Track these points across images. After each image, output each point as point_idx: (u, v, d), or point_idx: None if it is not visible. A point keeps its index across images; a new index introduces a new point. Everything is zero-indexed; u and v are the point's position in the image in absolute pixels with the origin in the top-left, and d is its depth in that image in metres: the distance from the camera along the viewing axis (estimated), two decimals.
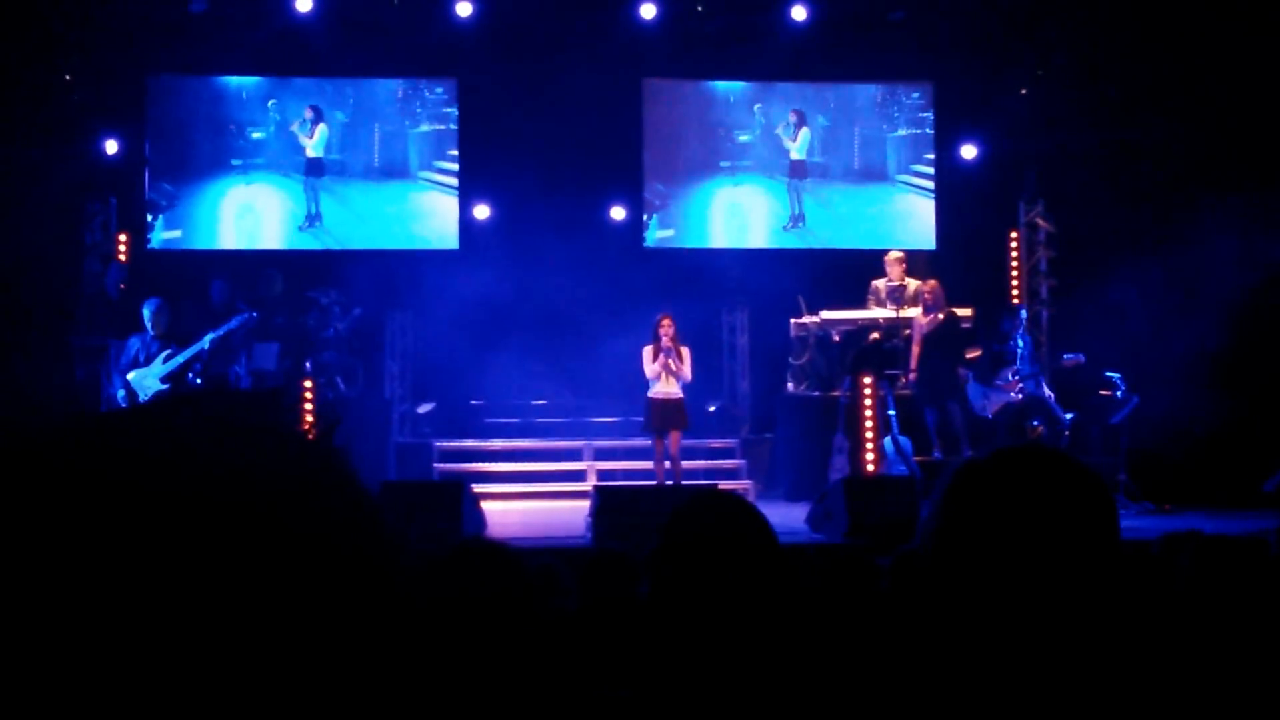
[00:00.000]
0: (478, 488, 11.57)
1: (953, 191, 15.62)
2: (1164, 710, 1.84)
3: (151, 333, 11.65)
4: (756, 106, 15.92)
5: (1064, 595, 1.49)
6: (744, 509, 2.38)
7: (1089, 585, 1.50)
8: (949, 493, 1.56)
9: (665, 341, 11.88)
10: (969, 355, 13.30)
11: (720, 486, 11.33)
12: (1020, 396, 12.67)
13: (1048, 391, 12.70)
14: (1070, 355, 12.80)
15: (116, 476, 0.74)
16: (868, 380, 12.40)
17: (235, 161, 15.29)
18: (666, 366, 11.86)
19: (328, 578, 0.75)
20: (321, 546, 0.77)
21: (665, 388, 11.95)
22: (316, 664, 0.74)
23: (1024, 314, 13.19)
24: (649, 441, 12.59)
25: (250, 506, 0.75)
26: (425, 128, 15.49)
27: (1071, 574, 1.50)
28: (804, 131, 15.86)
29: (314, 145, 15.34)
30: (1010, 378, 12.72)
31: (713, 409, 14.78)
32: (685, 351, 12.04)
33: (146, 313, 11.73)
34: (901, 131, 15.94)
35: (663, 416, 11.98)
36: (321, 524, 0.77)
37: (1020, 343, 12.82)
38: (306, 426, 12.04)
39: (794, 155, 15.87)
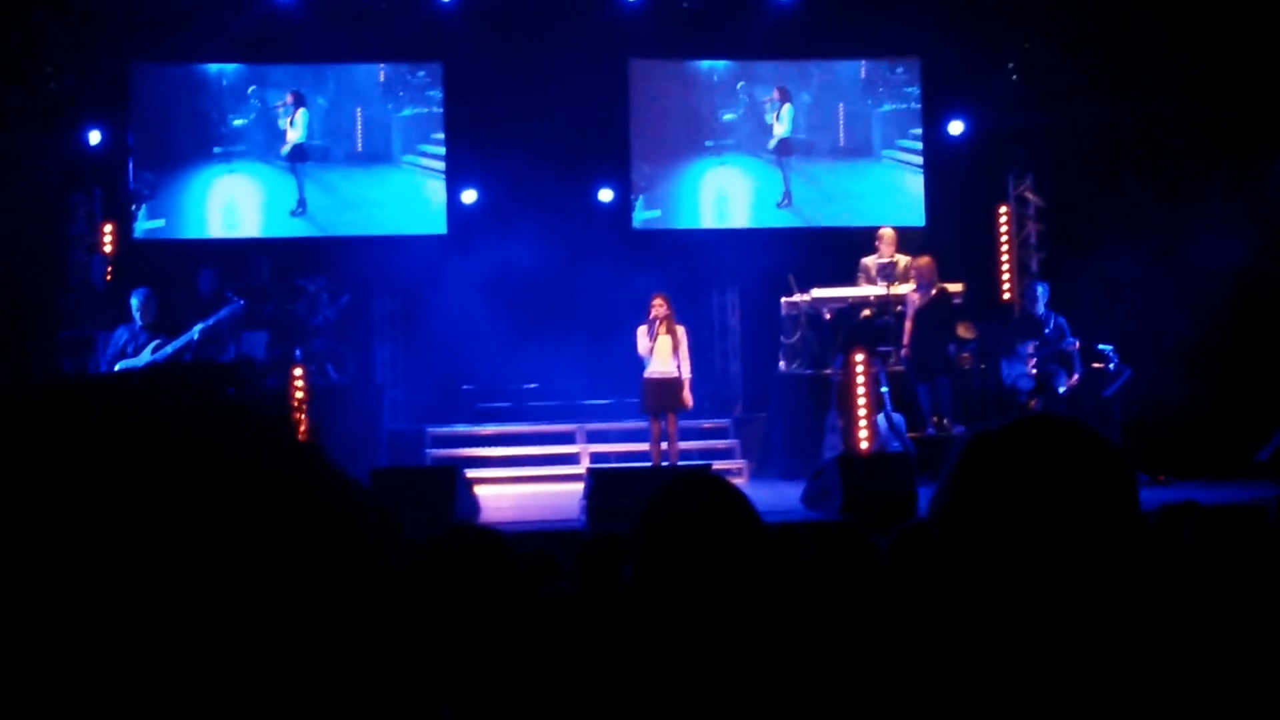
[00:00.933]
0: (471, 473, 11.52)
1: (941, 167, 15.57)
2: (1175, 681, 1.81)
3: (140, 323, 11.59)
4: (740, 85, 15.85)
5: (1085, 567, 1.44)
6: (724, 489, 2.34)
7: (1110, 557, 1.45)
8: (960, 465, 1.51)
9: (652, 312, 11.85)
10: (962, 332, 13.28)
11: (714, 467, 11.31)
12: (1035, 372, 12.64)
13: (1074, 381, 12.61)
14: (1104, 347, 12.68)
15: (79, 440, 0.70)
16: (860, 358, 12.38)
17: (217, 149, 15.19)
18: (656, 334, 11.81)
19: (292, 548, 0.71)
20: (289, 519, 0.73)
21: (661, 367, 11.91)
22: (287, 641, 0.70)
23: (1040, 289, 13.06)
24: (642, 423, 12.57)
25: (211, 476, 0.71)
26: (409, 111, 15.40)
27: (1092, 545, 1.45)
28: (787, 108, 15.79)
29: (295, 132, 15.24)
30: (1030, 350, 12.69)
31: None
32: (681, 331, 12.01)
33: (134, 303, 11.67)
34: (887, 107, 15.87)
35: (659, 396, 11.95)
36: (287, 495, 0.73)
37: (1046, 319, 12.75)
38: (290, 409, 11.96)
39: (778, 133, 15.81)
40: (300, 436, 0.79)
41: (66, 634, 0.66)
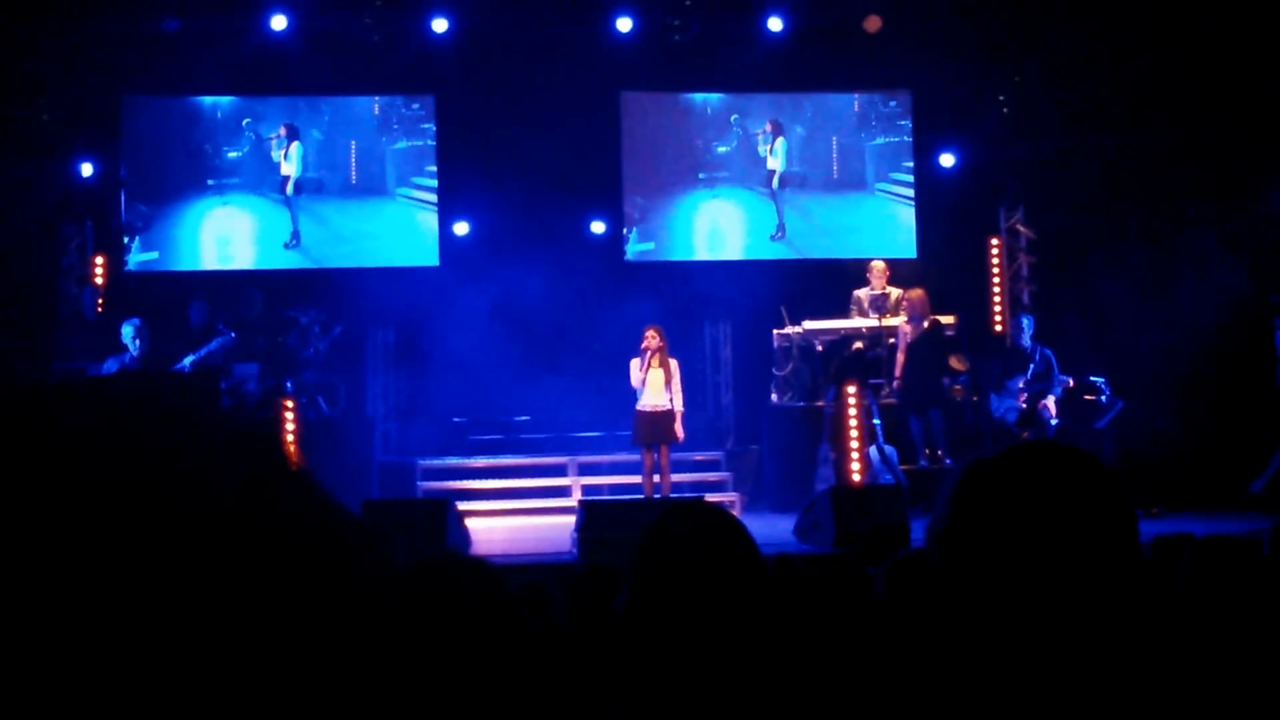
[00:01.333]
0: (462, 505, 11.48)
1: (932, 199, 15.61)
2: (1171, 711, 1.79)
3: (131, 354, 11.58)
4: (734, 117, 15.90)
5: (1082, 594, 1.43)
6: (724, 519, 2.32)
7: (1108, 584, 1.44)
8: (958, 492, 1.49)
9: (644, 344, 11.83)
10: (954, 364, 13.28)
11: (706, 499, 11.28)
12: (1024, 406, 12.68)
13: (1050, 405, 12.67)
14: (1096, 379, 12.73)
15: (51, 441, 0.69)
16: (852, 390, 12.37)
17: (211, 182, 15.19)
18: (649, 366, 11.79)
19: (272, 558, 0.70)
20: (270, 530, 0.71)
21: (653, 399, 11.89)
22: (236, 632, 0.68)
23: (1025, 321, 13.11)
24: (634, 456, 12.53)
25: (192, 483, 0.70)
26: (403, 144, 15.43)
27: (1089, 571, 1.44)
28: (780, 142, 15.83)
29: (289, 164, 15.25)
30: (1020, 385, 12.72)
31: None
32: (674, 364, 12.00)
33: (127, 333, 11.69)
34: (880, 140, 15.93)
35: (651, 429, 11.92)
36: (259, 498, 0.72)
37: (1033, 352, 12.79)
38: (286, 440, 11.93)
39: (772, 167, 15.85)
40: (286, 451, 0.78)
41: (36, 634, 0.65)
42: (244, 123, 15.28)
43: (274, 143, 15.25)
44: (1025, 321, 13.19)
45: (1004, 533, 1.46)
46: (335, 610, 0.73)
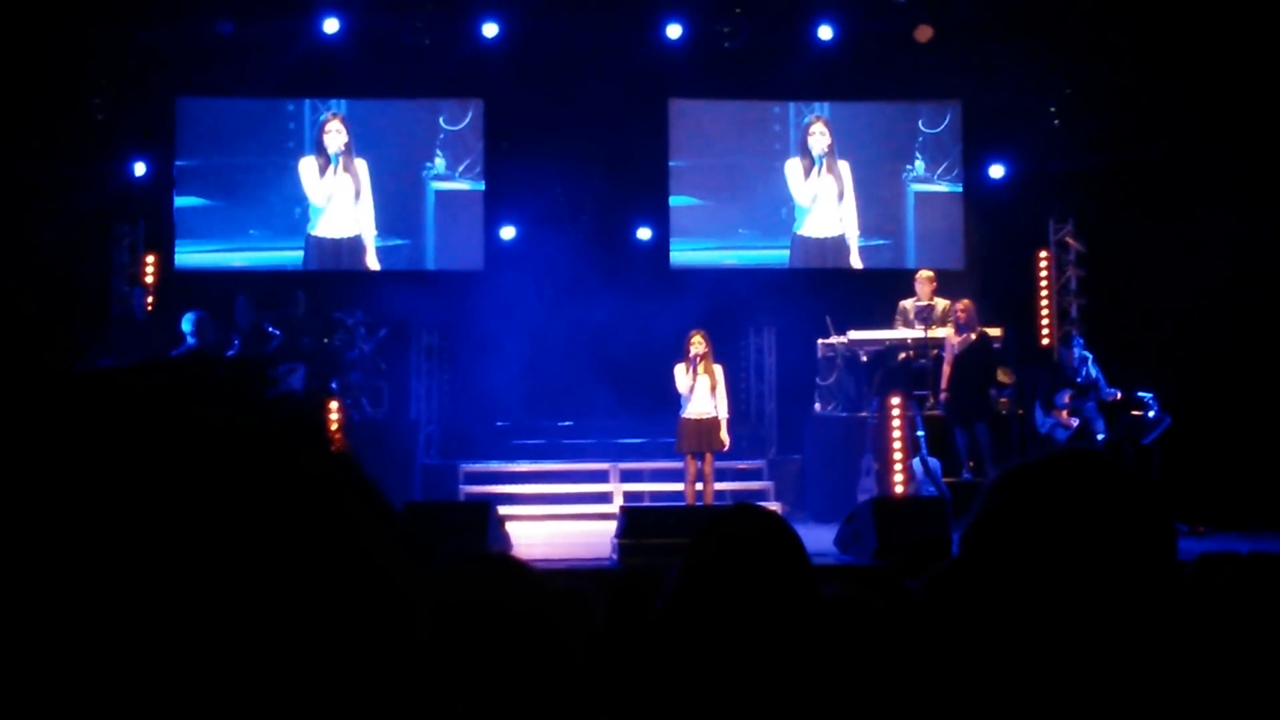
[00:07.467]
0: (504, 509, 11.49)
1: (981, 210, 15.52)
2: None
3: (194, 345, 11.73)
4: (783, 122, 15.84)
5: (1116, 604, 1.41)
6: (776, 525, 2.32)
7: (1143, 594, 1.42)
8: (993, 498, 1.48)
9: (691, 349, 11.80)
10: (1001, 377, 13.19)
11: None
12: (1074, 421, 12.55)
13: (1106, 424, 12.58)
14: (1144, 394, 12.62)
15: (116, 424, 0.69)
16: (896, 401, 12.31)
17: (260, 178, 15.28)
18: (696, 372, 11.75)
19: (313, 551, 0.70)
20: (315, 519, 0.71)
21: (700, 406, 11.85)
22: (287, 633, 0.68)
23: (1079, 343, 12.93)
24: (676, 463, 12.52)
25: (240, 468, 0.70)
26: (452, 147, 15.46)
27: (1122, 581, 1.42)
28: (827, 146, 15.76)
29: (333, 149, 15.31)
30: (1064, 400, 12.61)
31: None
32: (719, 370, 11.96)
33: (188, 327, 11.78)
34: (930, 149, 15.84)
35: (698, 436, 11.89)
36: (300, 479, 0.72)
37: (1091, 371, 12.68)
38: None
39: (815, 173, 15.77)
40: (330, 435, 0.78)
41: (64, 624, 0.65)
42: (292, 126, 15.35)
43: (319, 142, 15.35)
44: (1076, 340, 12.97)
45: (1037, 539, 1.45)
46: (373, 597, 0.73)
